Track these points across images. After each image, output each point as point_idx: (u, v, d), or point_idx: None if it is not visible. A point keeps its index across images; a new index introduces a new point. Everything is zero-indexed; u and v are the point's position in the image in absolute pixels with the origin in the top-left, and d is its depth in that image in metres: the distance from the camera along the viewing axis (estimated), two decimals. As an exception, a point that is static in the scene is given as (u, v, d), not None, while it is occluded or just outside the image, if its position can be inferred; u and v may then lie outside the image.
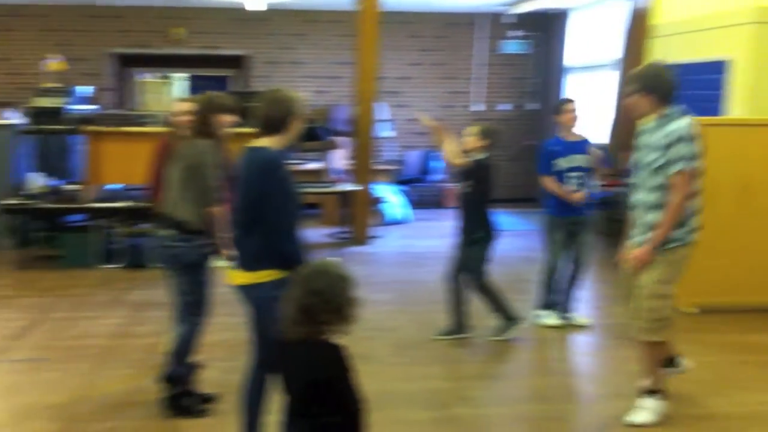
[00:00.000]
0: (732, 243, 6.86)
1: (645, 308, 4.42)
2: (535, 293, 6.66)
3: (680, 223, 4.31)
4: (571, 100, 6.49)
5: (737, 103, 8.10)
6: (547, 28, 13.47)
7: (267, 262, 3.70)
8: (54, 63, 9.09)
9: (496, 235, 6.02)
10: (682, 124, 4.25)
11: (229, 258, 3.96)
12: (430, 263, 8.47)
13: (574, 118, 6.39)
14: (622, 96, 4.71)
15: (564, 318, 6.53)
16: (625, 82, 4.66)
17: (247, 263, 3.77)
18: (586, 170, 6.33)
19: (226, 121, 4.56)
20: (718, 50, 8.39)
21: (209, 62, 13.73)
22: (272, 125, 3.78)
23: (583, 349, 6.18)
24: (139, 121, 8.46)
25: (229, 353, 5.57)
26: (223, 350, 5.65)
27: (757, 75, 7.87)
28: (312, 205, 10.64)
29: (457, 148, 5.99)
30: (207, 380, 4.90)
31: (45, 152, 9.29)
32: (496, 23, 13.47)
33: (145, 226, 8.42)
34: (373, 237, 10.04)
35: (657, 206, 4.32)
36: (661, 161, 4.26)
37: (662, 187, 4.29)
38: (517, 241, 10.01)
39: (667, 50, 9.50)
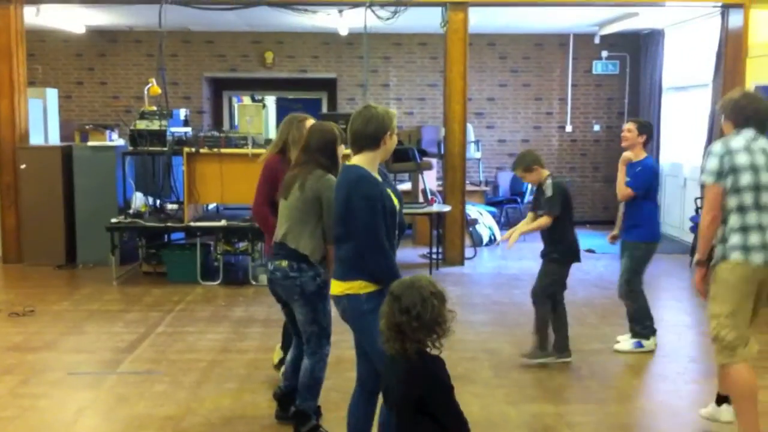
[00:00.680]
0: None
1: (710, 331, 4.35)
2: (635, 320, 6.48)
3: (722, 239, 4.27)
4: (630, 121, 6.42)
5: None
6: (638, 48, 13.29)
7: (357, 273, 3.73)
8: (154, 87, 9.39)
9: (573, 257, 5.97)
10: (719, 141, 4.32)
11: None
12: (525, 284, 8.35)
13: (624, 138, 6.33)
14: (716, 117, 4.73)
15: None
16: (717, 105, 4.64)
17: (340, 273, 3.81)
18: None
19: (343, 152, 4.52)
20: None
21: (299, 85, 13.99)
22: (365, 142, 3.79)
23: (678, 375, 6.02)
24: (237, 143, 8.65)
25: (329, 371, 5.62)
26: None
27: None
28: (404, 226, 10.67)
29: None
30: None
31: (147, 173, 9.59)
32: (586, 43, 13.36)
33: (243, 245, 8.63)
34: (466, 258, 10.01)
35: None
36: None
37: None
38: (615, 264, 9.81)
39: (765, 70, 9.30)
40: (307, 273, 4.36)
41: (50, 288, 8.51)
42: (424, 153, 10.30)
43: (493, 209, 12.06)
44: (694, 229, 9.59)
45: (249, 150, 8.49)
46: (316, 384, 4.58)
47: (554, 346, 6.05)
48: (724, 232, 4.26)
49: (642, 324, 6.36)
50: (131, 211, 8.97)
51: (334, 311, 4.12)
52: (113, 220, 8.76)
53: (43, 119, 10.57)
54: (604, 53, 13.45)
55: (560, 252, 5.93)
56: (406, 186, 11.33)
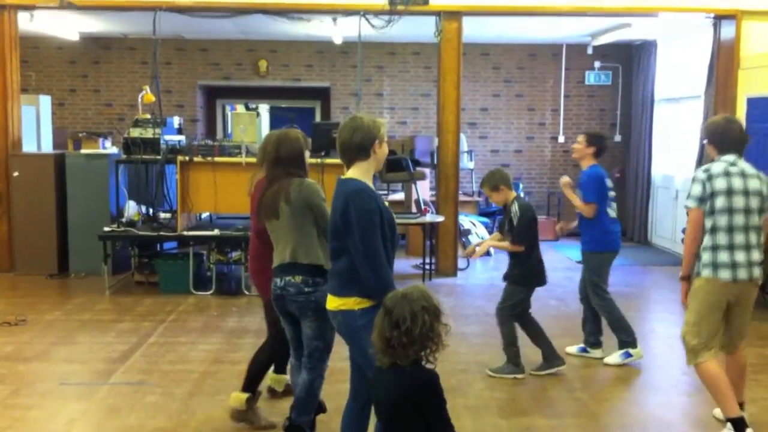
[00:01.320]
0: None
1: (682, 335, 4.80)
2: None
3: (697, 256, 4.71)
4: (582, 134, 6.62)
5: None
6: (631, 59, 13.34)
7: (352, 289, 3.71)
8: (148, 94, 9.38)
9: (535, 281, 6.04)
10: (702, 168, 4.78)
11: None
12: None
13: (574, 150, 6.55)
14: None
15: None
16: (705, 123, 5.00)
17: (335, 288, 3.80)
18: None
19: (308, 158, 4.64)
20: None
21: (293, 94, 14.00)
22: (354, 153, 3.78)
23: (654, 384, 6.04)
24: (230, 151, 8.64)
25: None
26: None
27: None
28: (396, 236, 10.68)
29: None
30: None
31: (140, 181, 9.58)
32: (579, 54, 13.41)
33: (236, 254, 8.61)
34: (459, 269, 10.01)
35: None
36: None
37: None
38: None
39: (757, 82, 9.35)
40: (321, 288, 4.31)
41: (42, 297, 8.48)
42: (417, 163, 10.31)
43: (485, 220, 12.06)
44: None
45: (243, 159, 8.49)
46: (314, 399, 4.58)
47: (544, 356, 6.08)
48: (699, 250, 4.71)
49: (626, 332, 6.38)
50: (124, 220, 8.96)
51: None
52: (106, 229, 8.74)
53: (36, 126, 10.54)
54: (597, 64, 13.49)
55: (519, 275, 6.01)
56: (399, 196, 11.35)
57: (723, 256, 4.62)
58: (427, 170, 10.98)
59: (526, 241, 5.92)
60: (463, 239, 10.68)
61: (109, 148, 10.05)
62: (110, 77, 13.37)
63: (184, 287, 8.61)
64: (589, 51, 13.25)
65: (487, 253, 9.74)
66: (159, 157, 8.86)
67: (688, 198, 4.71)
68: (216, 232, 8.58)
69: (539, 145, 13.66)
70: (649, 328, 7.63)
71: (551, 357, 6.07)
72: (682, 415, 5.39)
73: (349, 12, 9.76)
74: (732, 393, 4.71)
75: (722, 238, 4.62)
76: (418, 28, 10.58)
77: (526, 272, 6.00)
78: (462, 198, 11.01)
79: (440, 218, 9.74)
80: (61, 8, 9.53)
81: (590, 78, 13.56)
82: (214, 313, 7.86)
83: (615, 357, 6.36)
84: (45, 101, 10.95)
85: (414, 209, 10.25)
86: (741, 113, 9.66)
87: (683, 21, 10.67)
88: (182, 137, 9.59)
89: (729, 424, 4.69)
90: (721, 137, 4.78)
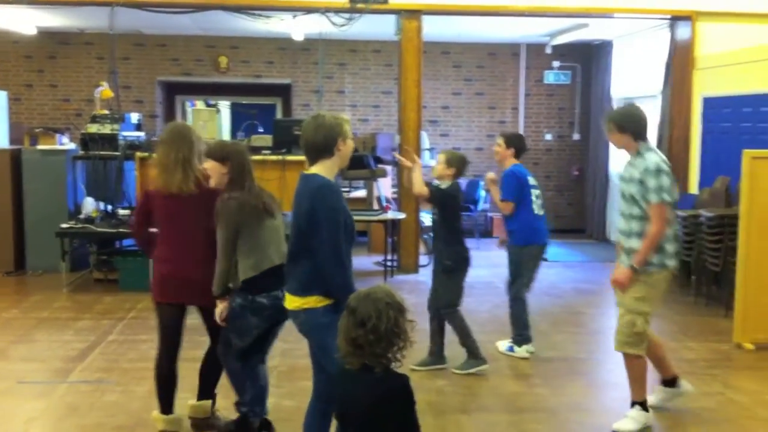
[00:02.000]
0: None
1: (623, 323, 4.84)
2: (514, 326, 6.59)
3: (657, 249, 4.70)
4: (500, 135, 6.64)
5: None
6: (589, 58, 13.51)
7: (315, 288, 3.70)
8: (105, 90, 9.27)
9: (465, 266, 6.03)
10: (652, 159, 4.69)
11: None
12: (478, 292, 8.48)
13: (495, 153, 6.57)
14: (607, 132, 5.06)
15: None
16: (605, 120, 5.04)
17: (296, 288, 3.78)
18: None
19: None
20: (765, 83, 8.39)
21: (254, 90, 13.92)
22: (318, 151, 3.76)
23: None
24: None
25: (282, 379, 5.66)
26: (275, 377, 5.69)
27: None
28: (359, 233, 10.70)
29: (421, 178, 6.00)
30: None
31: (98, 178, 9.47)
32: (538, 53, 13.53)
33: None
34: (421, 265, 10.06)
35: (635, 233, 4.75)
36: (636, 193, 4.72)
37: (638, 216, 4.73)
38: (566, 272, 10.03)
39: (712, 82, 9.54)
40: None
41: (-2, 295, 8.35)
42: (379, 160, 10.33)
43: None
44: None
45: (205, 162, 8.41)
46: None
47: (430, 352, 6.14)
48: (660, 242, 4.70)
49: (519, 331, 6.50)
50: (82, 217, 8.85)
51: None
52: (63, 226, 8.63)
53: (-9, 122, 10.38)
54: (556, 63, 13.64)
55: (453, 259, 5.97)
56: (361, 193, 11.36)
57: (675, 247, 4.80)
58: (388, 167, 11.01)
59: (450, 208, 5.94)
60: (425, 236, 10.73)
61: (67, 144, 9.93)
62: (67, 72, 13.17)
63: (143, 285, 8.45)
64: (548, 50, 13.38)
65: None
66: (117, 153, 8.77)
67: (662, 192, 4.63)
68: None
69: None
70: (608, 324, 7.71)
71: (439, 354, 6.14)
72: (640, 409, 5.47)
73: (309, 9, 9.75)
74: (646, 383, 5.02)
75: (672, 230, 4.76)
76: (379, 26, 10.60)
77: (456, 255, 5.97)
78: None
79: (402, 215, 9.77)
80: (18, 2, 9.39)
81: (549, 77, 13.70)
82: (174, 311, 7.78)
83: (502, 346, 6.55)
84: (1, 96, 10.76)
85: (376, 206, 10.28)
86: (696, 113, 9.85)
87: (639, 22, 10.84)
88: (141, 133, 9.50)
89: (637, 406, 4.96)
90: (642, 124, 4.82)
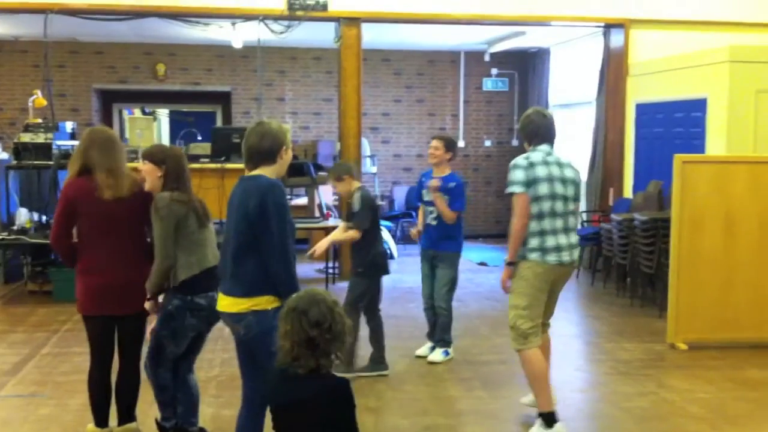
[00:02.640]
0: (719, 279, 6.91)
1: (509, 320, 4.94)
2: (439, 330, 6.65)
3: (523, 241, 4.80)
4: (435, 138, 6.63)
5: (713, 140, 8.30)
6: (526, 65, 13.70)
7: (266, 288, 3.69)
8: (39, 98, 9.10)
9: (378, 271, 6.08)
10: (521, 156, 4.91)
11: None
12: (420, 298, 8.46)
13: (432, 155, 6.53)
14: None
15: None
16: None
17: (242, 290, 3.73)
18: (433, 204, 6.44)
19: None
20: (695, 89, 8.62)
21: (193, 98, 13.80)
22: (261, 158, 3.77)
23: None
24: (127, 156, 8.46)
25: (222, 389, 5.62)
26: (215, 386, 5.68)
27: (730, 112, 8.09)
28: (300, 241, 10.66)
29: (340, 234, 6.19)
30: (202, 416, 4.85)
31: (32, 188, 9.26)
32: (477, 61, 13.69)
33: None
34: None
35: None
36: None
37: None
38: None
39: (645, 88, 9.76)
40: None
41: (-73, 309, 8.12)
42: (319, 167, 10.34)
43: (389, 224, 12.17)
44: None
45: (140, 164, 8.29)
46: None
47: (371, 358, 6.17)
48: (526, 235, 4.80)
49: (449, 333, 6.59)
50: (15, 228, 8.65)
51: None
52: (-9, 237, 8.42)
53: None
54: (494, 71, 13.81)
55: (365, 265, 6.03)
56: (302, 201, 11.33)
57: (550, 241, 4.79)
58: (329, 175, 11.02)
59: (368, 225, 5.92)
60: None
61: (3, 154, 9.70)
62: (1, 81, 12.89)
63: (79, 296, 8.36)
64: (487, 58, 13.55)
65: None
66: (51, 163, 8.61)
67: (511, 185, 4.79)
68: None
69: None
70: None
71: (378, 361, 6.16)
72: (577, 410, 5.56)
73: (248, 17, 9.71)
74: (550, 388, 4.93)
75: (548, 223, 4.80)
76: (318, 34, 10.60)
77: (369, 262, 6.00)
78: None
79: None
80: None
81: (488, 84, 13.87)
82: (110, 322, 7.65)
83: (437, 355, 6.54)
84: (-70, 105, 10.50)
85: (317, 214, 10.26)
86: (630, 118, 10.06)
87: (575, 29, 11.04)
88: (76, 142, 9.32)
89: (540, 419, 4.89)
90: (537, 130, 4.99)
